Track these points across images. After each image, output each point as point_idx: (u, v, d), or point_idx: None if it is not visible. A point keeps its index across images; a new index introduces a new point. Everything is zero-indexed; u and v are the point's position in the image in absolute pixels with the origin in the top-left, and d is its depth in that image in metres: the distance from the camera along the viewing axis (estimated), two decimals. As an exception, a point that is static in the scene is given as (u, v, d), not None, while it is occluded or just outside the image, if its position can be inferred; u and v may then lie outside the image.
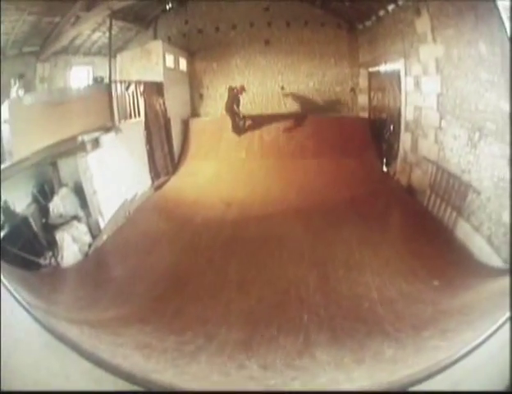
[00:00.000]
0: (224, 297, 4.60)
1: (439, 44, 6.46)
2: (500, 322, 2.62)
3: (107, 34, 11.29)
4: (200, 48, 12.06)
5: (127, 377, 2.59)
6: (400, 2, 7.49)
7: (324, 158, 8.93)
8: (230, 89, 10.20)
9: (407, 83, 7.60)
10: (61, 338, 2.87)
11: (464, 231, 5.47)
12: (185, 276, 5.40)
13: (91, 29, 11.43)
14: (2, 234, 6.70)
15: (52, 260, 6.69)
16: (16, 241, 6.41)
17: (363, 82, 10.39)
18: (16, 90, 8.23)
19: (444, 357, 2.62)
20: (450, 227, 5.72)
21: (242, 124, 9.79)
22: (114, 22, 10.04)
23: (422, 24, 6.72)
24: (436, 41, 6.53)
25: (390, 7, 7.97)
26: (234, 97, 10.05)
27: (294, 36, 10.93)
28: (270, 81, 11.47)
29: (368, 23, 9.60)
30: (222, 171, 9.50)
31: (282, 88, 11.37)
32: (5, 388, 2.10)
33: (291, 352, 3.36)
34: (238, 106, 10.00)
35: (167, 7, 12.19)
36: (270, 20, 11.14)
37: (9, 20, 8.50)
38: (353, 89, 10.62)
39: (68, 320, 3.73)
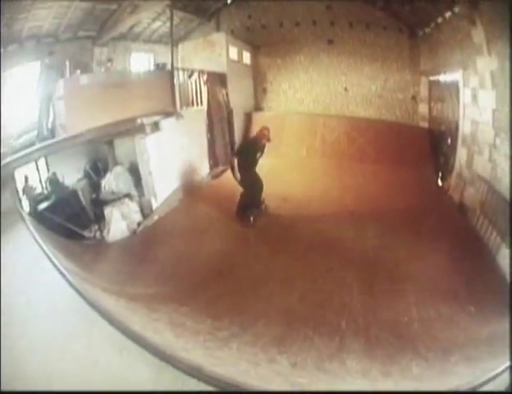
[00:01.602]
0: (266, 291, 4.48)
1: (493, 57, 5.91)
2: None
3: (168, 24, 11.42)
4: (264, 42, 12.04)
5: (155, 350, 2.47)
6: (456, 10, 7.00)
7: (382, 165, 8.63)
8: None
9: (465, 95, 6.98)
10: (93, 304, 2.83)
11: (504, 257, 4.90)
12: (229, 265, 5.28)
13: (151, 18, 11.63)
14: (48, 203, 6.90)
15: (98, 233, 6.78)
16: (61, 212, 6.57)
17: (423, 90, 9.94)
18: (71, 70, 8.34)
19: (465, 383, 2.64)
20: (493, 252, 5.19)
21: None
22: (175, 12, 9.96)
23: (478, 34, 6.17)
24: (491, 53, 5.98)
25: (447, 14, 7.50)
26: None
27: (357, 37, 10.72)
28: (333, 81, 11.26)
29: (427, 29, 9.19)
30: (281, 167, 9.27)
31: (346, 89, 11.13)
32: (5, 388, 1.98)
33: (323, 354, 3.30)
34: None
35: (229, 1, 12.14)
36: (333, 19, 10.98)
37: (60, 6, 8.70)
38: (414, 97, 10.21)
39: (104, 289, 3.76)
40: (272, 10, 11.72)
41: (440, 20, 7.99)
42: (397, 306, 4.04)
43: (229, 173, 8.60)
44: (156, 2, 9.89)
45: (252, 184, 6.91)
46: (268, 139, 7.50)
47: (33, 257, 3.53)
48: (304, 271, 4.90)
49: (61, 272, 3.16)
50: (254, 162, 7.19)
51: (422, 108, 9.90)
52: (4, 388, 1.91)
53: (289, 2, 11.42)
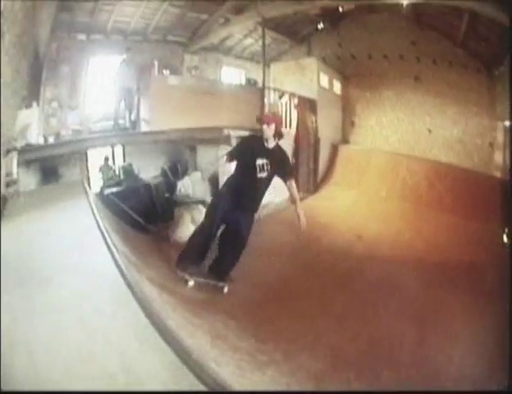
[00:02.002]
0: (320, 325, 4.21)
1: None
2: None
3: (260, 42, 11.61)
4: (354, 73, 12.00)
5: (182, 351, 2.23)
6: None
7: (456, 215, 8.26)
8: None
9: None
10: (133, 288, 2.69)
11: None
12: (291, 291, 5.09)
13: (242, 34, 11.91)
14: (118, 189, 7.05)
15: (162, 230, 6.73)
16: (129, 200, 6.67)
17: (500, 137, 9.55)
18: (159, 70, 8.73)
19: None
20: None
21: None
22: (266, 31, 10.03)
23: None
24: None
25: None
26: None
27: (441, 76, 10.50)
28: (418, 121, 11.03)
29: (502, 67, 8.73)
30: (360, 204, 9.25)
31: (429, 131, 10.83)
32: (5, 388, 1.84)
33: None
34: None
35: (319, 27, 12.19)
36: (418, 55, 10.84)
37: (148, 7, 9.14)
38: (491, 144, 9.74)
39: (151, 280, 3.62)
40: (360, 40, 11.72)
41: None
42: (444, 366, 3.75)
43: (310, 201, 8.74)
44: (248, 16, 10.03)
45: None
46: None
47: (86, 229, 3.60)
48: (361, 312, 4.66)
49: (109, 249, 3.14)
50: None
51: (498, 156, 9.43)
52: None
53: (377, 34, 11.37)
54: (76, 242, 3.32)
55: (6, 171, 4.56)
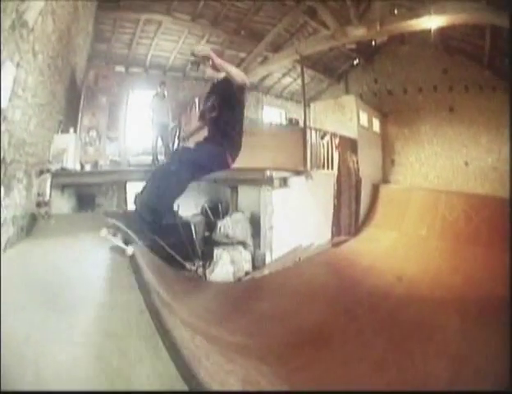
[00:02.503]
0: (356, 371, 4.02)
1: None
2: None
3: (298, 81, 11.85)
4: (391, 110, 12.10)
5: None
6: None
7: (493, 249, 8.03)
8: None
9: None
10: (164, 329, 2.56)
11: None
12: (328, 336, 4.86)
13: (281, 73, 12.16)
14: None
15: (200, 270, 6.56)
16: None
17: None
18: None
19: None
20: None
21: None
22: (304, 70, 10.13)
23: None
24: None
25: None
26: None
27: (473, 103, 10.59)
28: (455, 155, 11.03)
29: None
30: (400, 245, 9.14)
31: (466, 163, 10.80)
32: (5, 388, 1.82)
33: None
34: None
35: (355, 63, 12.38)
36: (451, 83, 10.97)
37: (186, 43, 9.74)
38: None
39: (184, 323, 3.42)
40: (395, 74, 12.02)
41: None
42: None
43: (351, 243, 8.72)
44: (285, 56, 10.27)
45: None
46: None
47: (118, 262, 3.48)
48: (399, 357, 4.43)
49: (141, 287, 3.03)
50: None
51: None
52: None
53: (409, 66, 11.67)
54: (106, 275, 3.30)
55: (38, 191, 4.67)
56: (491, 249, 8.06)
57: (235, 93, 3.59)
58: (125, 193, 6.95)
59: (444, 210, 9.69)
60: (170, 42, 9.75)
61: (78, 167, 6.32)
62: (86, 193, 6.36)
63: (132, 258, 3.51)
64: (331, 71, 12.93)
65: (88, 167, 6.64)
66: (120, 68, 9.55)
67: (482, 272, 7.31)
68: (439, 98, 11.17)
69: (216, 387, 2.43)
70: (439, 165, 11.27)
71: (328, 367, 4.07)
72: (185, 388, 2.10)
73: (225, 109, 3.70)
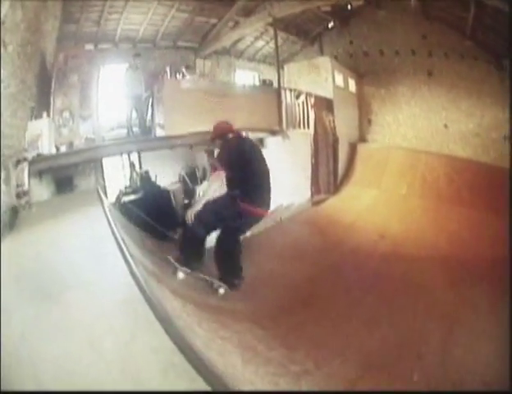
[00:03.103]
0: (348, 329, 4.19)
1: None
2: None
3: (271, 44, 11.59)
4: (367, 71, 11.93)
5: (214, 378, 2.00)
6: None
7: (476, 210, 8.18)
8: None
9: None
10: (153, 305, 2.46)
11: None
12: (318, 294, 5.00)
13: (253, 36, 11.86)
14: (135, 197, 7.04)
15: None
16: (147, 208, 6.58)
17: None
18: (171, 75, 8.73)
19: None
20: None
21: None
22: (278, 32, 9.95)
23: None
24: None
25: None
26: None
27: (453, 69, 10.42)
28: (434, 116, 10.91)
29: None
30: (381, 202, 9.21)
31: (445, 126, 10.71)
32: (5, 388, 1.80)
33: None
34: None
35: (330, 25, 12.17)
36: (430, 49, 10.78)
37: (156, 13, 9.22)
38: (506, 137, 9.51)
39: (173, 291, 3.49)
40: (371, 37, 11.74)
41: None
42: (469, 366, 3.72)
43: (331, 201, 8.74)
44: (257, 20, 10.00)
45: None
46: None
47: (100, 240, 3.48)
48: (388, 314, 4.58)
49: (126, 261, 2.97)
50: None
51: None
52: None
53: (386, 30, 11.40)
54: (90, 255, 3.22)
55: (17, 182, 4.55)
56: (475, 211, 8.16)
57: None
58: (102, 169, 6.86)
59: (424, 170, 9.72)
60: (139, 14, 9.40)
61: (53, 151, 6.11)
62: (64, 175, 6.24)
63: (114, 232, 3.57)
64: (304, 33, 12.68)
65: (63, 149, 6.42)
66: (89, 46, 9.22)
67: (466, 233, 7.37)
68: (417, 62, 11.04)
69: (213, 356, 2.44)
70: (417, 126, 11.21)
71: (320, 325, 4.15)
72: (183, 361, 2.02)
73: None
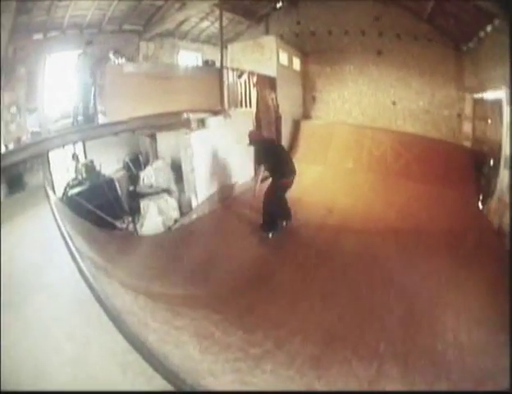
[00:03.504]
0: (304, 305, 4.20)
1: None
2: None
3: (216, 25, 11.39)
4: (313, 50, 11.91)
5: (172, 375, 2.03)
6: (496, 23, 6.74)
7: (426, 184, 8.43)
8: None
9: (508, 114, 6.42)
10: (104, 305, 2.46)
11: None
12: (268, 273, 5.00)
13: (199, 18, 11.63)
14: (81, 189, 6.83)
15: (130, 225, 6.66)
16: (94, 199, 6.52)
17: (468, 108, 9.71)
18: (114, 60, 8.48)
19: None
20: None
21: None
22: (223, 13, 9.77)
23: None
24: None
25: (489, 28, 7.22)
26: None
27: (405, 49, 10.54)
28: (382, 94, 11.05)
29: (471, 44, 9.02)
30: (328, 178, 9.25)
31: (394, 103, 10.89)
32: (5, 388, 1.83)
33: (363, 381, 3.07)
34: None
35: (278, 6, 12.07)
36: (381, 30, 10.83)
37: None
38: (459, 115, 9.91)
39: (123, 284, 3.46)
40: (320, 17, 11.67)
41: (482, 34, 7.77)
42: (435, 332, 3.82)
43: None
44: (204, 0, 9.80)
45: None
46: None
47: (49, 240, 3.41)
48: (344, 287, 4.64)
49: (74, 260, 2.93)
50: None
51: (467, 127, 9.59)
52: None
53: (338, 11, 11.33)
54: (42, 256, 3.14)
55: None
56: (424, 184, 8.38)
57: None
58: (49, 163, 6.57)
59: (371, 145, 9.87)
60: (88, 0, 9.00)
61: (3, 149, 5.84)
62: (14, 174, 5.97)
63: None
64: (251, 13, 12.49)
65: (11, 146, 6.11)
66: (38, 36, 8.77)
67: (415, 206, 7.52)
68: (366, 42, 11.07)
69: (169, 350, 2.40)
70: (364, 103, 11.32)
71: (277, 305, 4.17)
72: (139, 359, 2.04)
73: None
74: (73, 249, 3.08)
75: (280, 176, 6.16)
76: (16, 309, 2.42)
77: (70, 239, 3.29)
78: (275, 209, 6.26)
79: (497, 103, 7.00)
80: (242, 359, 2.95)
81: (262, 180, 6.67)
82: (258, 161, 6.72)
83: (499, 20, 6.53)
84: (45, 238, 3.49)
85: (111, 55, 8.46)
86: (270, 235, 6.14)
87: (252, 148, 7.58)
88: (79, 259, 2.91)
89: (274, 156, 6.32)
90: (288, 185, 6.27)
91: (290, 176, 6.22)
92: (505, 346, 3.37)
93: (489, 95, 7.84)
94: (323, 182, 8.81)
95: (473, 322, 3.96)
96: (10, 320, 2.30)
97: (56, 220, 3.77)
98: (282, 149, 6.94)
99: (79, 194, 6.58)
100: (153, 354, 2.11)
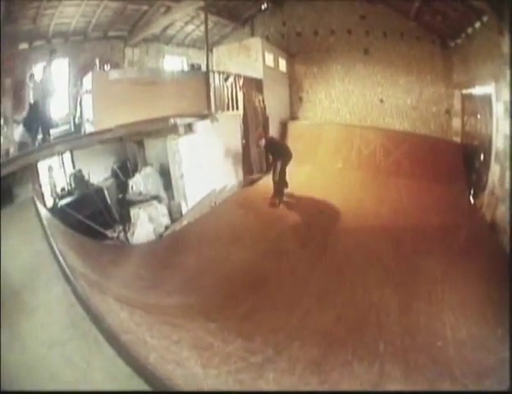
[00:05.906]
0: (301, 308, 4.13)
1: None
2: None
3: (202, 28, 11.34)
4: (300, 50, 11.92)
5: None
6: (485, 19, 6.75)
7: (417, 180, 8.53)
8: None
9: (498, 109, 6.47)
10: (101, 326, 2.37)
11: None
12: (263, 277, 4.91)
13: (184, 22, 11.59)
14: (70, 199, 6.74)
15: (121, 235, 6.55)
16: (83, 209, 6.42)
17: (457, 104, 9.78)
18: (100, 67, 8.36)
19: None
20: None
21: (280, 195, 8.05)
22: (209, 16, 9.68)
23: (507, 45, 5.64)
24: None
25: (477, 25, 7.24)
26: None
27: (392, 48, 10.62)
28: (369, 92, 11.09)
29: (459, 40, 9.06)
30: (317, 178, 9.28)
31: (381, 101, 10.94)
32: (5, 388, 1.84)
33: (365, 383, 3.01)
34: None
35: (263, 7, 12.07)
36: (367, 29, 10.89)
37: (88, 4, 8.72)
38: (448, 111, 10.00)
39: (118, 299, 3.37)
40: (306, 18, 11.70)
41: (470, 30, 7.80)
42: (433, 328, 3.79)
43: (263, 181, 8.77)
44: (189, 4, 9.74)
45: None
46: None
47: (38, 256, 3.29)
48: (340, 288, 4.59)
49: (65, 275, 2.87)
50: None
51: (456, 123, 9.66)
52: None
53: (324, 11, 11.36)
54: (31, 276, 3.03)
55: None
56: (415, 181, 8.43)
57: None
58: (38, 174, 6.47)
59: (360, 144, 9.89)
60: (73, 6, 8.88)
61: None
62: (3, 187, 5.74)
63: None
64: (236, 16, 12.48)
65: None
66: (24, 45, 8.67)
67: (407, 202, 7.57)
68: (353, 41, 11.11)
69: (171, 368, 2.36)
70: (351, 102, 11.36)
71: (273, 309, 4.12)
72: (141, 383, 1.97)
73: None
74: (65, 266, 2.99)
75: (287, 159, 7.92)
76: (8, 333, 2.35)
77: (62, 255, 3.20)
78: (283, 181, 7.89)
79: (486, 98, 7.04)
80: (244, 368, 2.89)
81: (253, 182, 7.31)
82: (277, 157, 7.99)
83: (487, 17, 6.52)
84: (35, 255, 3.34)
85: (96, 62, 8.38)
86: (277, 201, 7.65)
87: (239, 152, 8.17)
88: (71, 278, 2.83)
89: (283, 149, 8.24)
90: (288, 164, 8.03)
91: (291, 158, 8.03)
92: (504, 340, 3.36)
93: (478, 91, 7.87)
94: (313, 183, 8.84)
95: (471, 317, 3.95)
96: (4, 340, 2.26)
97: (46, 236, 3.65)
98: (284, 143, 9.48)
99: (68, 204, 6.48)
100: (156, 376, 2.06)
